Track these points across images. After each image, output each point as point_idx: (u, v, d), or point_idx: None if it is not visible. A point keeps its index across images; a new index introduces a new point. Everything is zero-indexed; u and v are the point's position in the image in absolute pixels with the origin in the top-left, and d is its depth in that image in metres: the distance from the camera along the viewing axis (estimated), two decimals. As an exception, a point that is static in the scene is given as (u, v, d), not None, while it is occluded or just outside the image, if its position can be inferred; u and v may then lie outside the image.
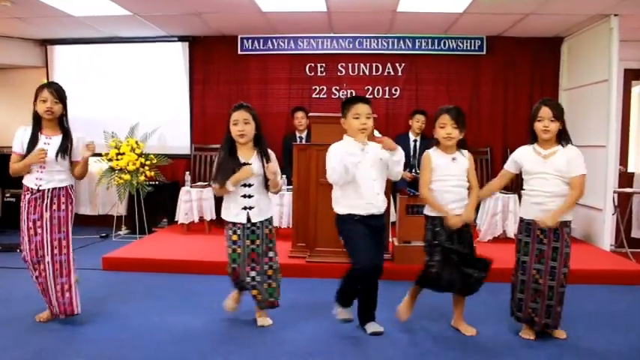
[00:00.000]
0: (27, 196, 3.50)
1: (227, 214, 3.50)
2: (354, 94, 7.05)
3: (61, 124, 3.58)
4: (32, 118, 3.54)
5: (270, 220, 3.54)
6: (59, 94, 3.51)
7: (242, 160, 3.43)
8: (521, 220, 3.42)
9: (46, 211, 3.48)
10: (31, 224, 3.48)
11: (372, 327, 3.46)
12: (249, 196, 3.45)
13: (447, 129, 3.36)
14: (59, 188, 3.53)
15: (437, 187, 3.40)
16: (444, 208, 3.33)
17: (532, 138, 3.41)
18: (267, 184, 3.46)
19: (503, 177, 3.58)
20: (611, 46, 5.69)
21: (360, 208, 3.34)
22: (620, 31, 5.68)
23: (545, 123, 3.28)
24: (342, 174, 3.25)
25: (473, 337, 3.44)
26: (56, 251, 3.49)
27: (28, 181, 3.52)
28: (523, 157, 3.42)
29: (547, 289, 3.27)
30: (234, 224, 3.46)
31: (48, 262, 3.47)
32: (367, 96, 7.12)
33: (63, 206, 3.53)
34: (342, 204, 3.38)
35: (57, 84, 3.58)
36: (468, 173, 3.43)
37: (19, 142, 3.51)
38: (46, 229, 3.47)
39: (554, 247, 3.27)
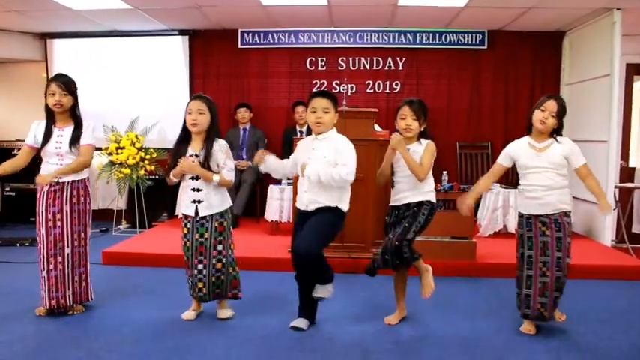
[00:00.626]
0: (45, 188, 3.51)
1: (181, 206, 3.60)
2: (354, 89, 7.09)
3: (74, 115, 3.60)
4: (45, 111, 3.56)
5: (222, 214, 3.50)
6: (67, 87, 3.53)
7: (190, 152, 3.45)
8: (521, 215, 3.43)
9: (66, 204, 3.53)
10: (50, 216, 3.50)
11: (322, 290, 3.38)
12: (198, 190, 3.46)
13: (407, 120, 3.38)
14: (78, 181, 3.58)
15: (395, 177, 3.48)
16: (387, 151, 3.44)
17: (529, 127, 3.40)
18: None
19: (493, 173, 3.59)
20: (613, 41, 5.66)
21: (298, 202, 3.44)
22: (622, 25, 5.65)
23: (545, 115, 3.27)
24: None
25: (476, 332, 3.43)
26: (76, 243, 3.58)
27: (47, 173, 3.53)
28: (518, 151, 3.42)
29: (554, 281, 3.28)
30: (186, 217, 3.51)
31: (68, 254, 3.54)
32: (367, 90, 7.12)
33: (82, 199, 3.60)
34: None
35: (66, 76, 3.58)
36: (422, 159, 3.37)
37: (31, 135, 3.55)
38: (67, 222, 3.53)
39: (557, 237, 3.28)
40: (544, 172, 3.29)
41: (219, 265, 3.49)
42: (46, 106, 3.54)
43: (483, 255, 4.98)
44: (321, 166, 3.25)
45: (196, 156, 3.43)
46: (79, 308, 3.67)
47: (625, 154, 6.64)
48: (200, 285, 3.49)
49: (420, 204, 3.39)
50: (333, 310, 3.65)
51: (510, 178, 6.86)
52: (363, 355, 3.09)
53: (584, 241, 5.88)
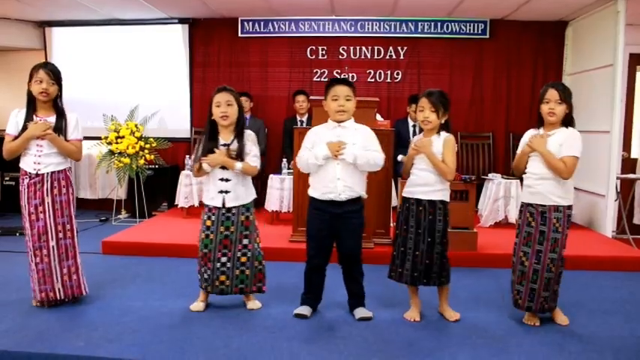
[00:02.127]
0: (25, 181, 3.45)
1: (205, 197, 3.52)
2: (355, 78, 7.05)
3: (55, 105, 3.51)
4: (27, 98, 3.48)
5: (247, 207, 3.49)
6: (55, 75, 3.45)
7: (222, 142, 3.41)
8: (521, 203, 3.43)
9: (47, 195, 3.44)
10: (32, 209, 3.43)
11: (360, 312, 3.45)
12: (227, 180, 3.41)
13: (424, 112, 3.32)
14: (58, 172, 3.48)
15: (412, 169, 3.45)
16: (410, 152, 3.42)
17: (539, 121, 3.35)
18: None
19: (520, 157, 3.42)
20: (617, 30, 5.62)
21: (316, 191, 3.38)
22: (626, 14, 5.60)
23: (551, 105, 3.22)
24: (306, 165, 3.35)
25: (475, 322, 3.42)
26: (61, 235, 3.48)
27: (26, 164, 3.45)
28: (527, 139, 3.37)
29: (531, 272, 3.26)
30: (210, 209, 3.45)
31: (53, 247, 3.45)
32: (369, 80, 7.09)
33: (64, 190, 3.49)
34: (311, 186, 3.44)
35: (53, 64, 3.51)
36: (443, 156, 3.32)
37: (13, 124, 3.44)
38: (49, 214, 3.44)
39: (541, 230, 3.24)
40: (539, 160, 3.26)
41: (243, 259, 3.45)
42: (29, 93, 3.45)
43: (484, 245, 4.97)
44: (356, 150, 3.27)
45: (226, 145, 3.40)
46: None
47: (627, 144, 6.61)
48: (223, 278, 3.45)
49: (432, 204, 3.34)
50: (335, 299, 3.64)
51: (512, 170, 6.86)
52: (364, 344, 3.08)
53: (585, 232, 5.87)
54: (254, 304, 3.60)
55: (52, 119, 3.47)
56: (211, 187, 3.45)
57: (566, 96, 3.23)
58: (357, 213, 3.37)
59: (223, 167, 3.40)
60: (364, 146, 3.30)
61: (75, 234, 3.56)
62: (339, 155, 3.25)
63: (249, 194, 3.51)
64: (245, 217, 3.46)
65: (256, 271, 3.51)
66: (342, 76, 6.95)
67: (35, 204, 3.43)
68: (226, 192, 3.41)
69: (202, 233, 3.48)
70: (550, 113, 3.23)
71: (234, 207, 3.43)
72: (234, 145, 3.41)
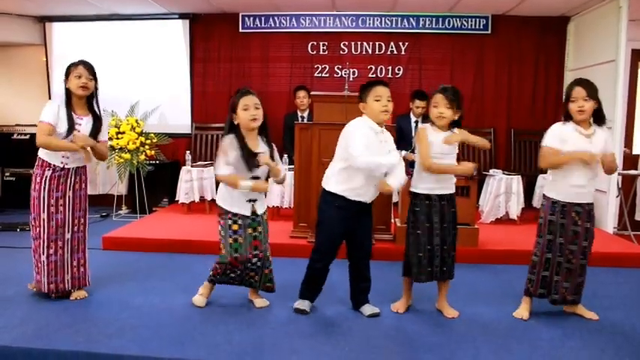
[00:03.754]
0: (48, 173, 3.48)
1: (227, 204, 3.38)
2: (356, 74, 7.03)
3: (90, 105, 3.58)
4: (65, 96, 3.51)
5: (266, 211, 3.54)
6: (93, 71, 3.54)
7: (259, 150, 3.35)
8: (554, 202, 3.33)
9: (69, 189, 3.54)
10: (52, 202, 3.49)
11: (369, 309, 3.46)
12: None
13: (439, 108, 3.30)
14: (82, 167, 3.60)
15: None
16: (457, 167, 3.37)
17: (566, 116, 3.30)
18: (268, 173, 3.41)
19: (552, 157, 3.29)
20: (619, 26, 5.59)
21: (347, 191, 3.33)
22: (628, 10, 5.56)
23: (579, 103, 3.19)
24: (374, 169, 3.26)
25: (477, 318, 3.42)
26: (76, 228, 3.60)
27: (52, 158, 3.49)
28: (567, 134, 3.26)
29: (579, 267, 3.34)
30: (235, 214, 3.37)
31: (67, 239, 3.55)
32: (370, 75, 7.07)
33: (84, 185, 3.63)
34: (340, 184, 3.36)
35: (90, 62, 3.58)
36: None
37: (51, 114, 3.40)
38: (69, 208, 3.54)
39: (586, 227, 3.32)
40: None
41: (270, 257, 3.50)
42: (67, 90, 3.49)
43: (485, 241, 4.96)
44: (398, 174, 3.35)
45: (261, 153, 3.34)
46: (82, 294, 3.66)
47: (629, 141, 6.58)
48: (252, 274, 3.45)
49: (452, 197, 3.41)
50: (335, 295, 3.64)
51: (513, 166, 6.85)
52: (366, 340, 3.07)
53: (587, 228, 5.85)
54: (263, 301, 3.59)
55: (89, 119, 3.54)
56: (236, 194, 3.34)
57: (592, 92, 3.21)
58: (370, 210, 3.46)
59: (253, 177, 3.32)
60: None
61: (87, 228, 3.69)
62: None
63: (267, 198, 3.53)
64: (266, 220, 3.50)
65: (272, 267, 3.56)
66: (345, 73, 6.97)
67: (57, 196, 3.50)
68: (254, 200, 3.39)
69: (229, 238, 3.36)
70: (580, 111, 3.20)
71: (263, 212, 3.47)
72: (267, 153, 3.37)
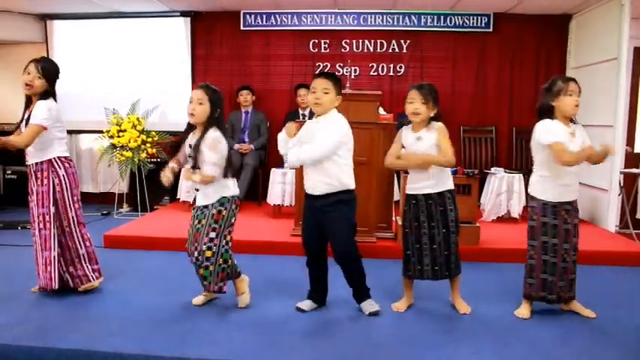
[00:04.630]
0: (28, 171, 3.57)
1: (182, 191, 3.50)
2: (357, 72, 7.03)
3: (41, 98, 3.50)
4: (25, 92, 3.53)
5: (222, 202, 3.33)
6: (45, 71, 3.46)
7: (189, 140, 3.40)
8: (545, 203, 3.30)
9: (34, 185, 3.54)
10: (29, 198, 3.56)
11: (367, 307, 3.44)
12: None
13: (414, 104, 3.29)
14: (40, 162, 3.52)
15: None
16: (413, 157, 3.34)
17: (547, 113, 3.30)
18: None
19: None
20: (621, 24, 5.56)
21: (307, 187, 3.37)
22: (631, 7, 5.54)
23: (576, 97, 3.22)
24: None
25: (478, 316, 3.41)
26: (41, 226, 3.53)
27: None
28: (560, 132, 3.22)
29: (572, 265, 3.35)
30: (193, 203, 3.45)
31: (36, 236, 3.55)
32: (371, 73, 7.06)
33: (45, 180, 3.50)
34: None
35: (49, 61, 3.54)
36: (439, 145, 3.30)
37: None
38: (34, 204, 3.53)
39: (575, 223, 3.33)
40: None
41: (208, 254, 3.29)
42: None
43: (487, 240, 4.95)
44: (305, 148, 3.25)
45: (190, 146, 3.38)
46: (91, 285, 3.69)
47: (630, 139, 6.57)
48: (201, 271, 3.36)
49: (441, 196, 3.36)
50: (338, 294, 3.62)
51: (515, 164, 6.83)
52: (366, 340, 3.07)
53: (588, 226, 5.84)
54: (243, 299, 3.52)
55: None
56: (184, 182, 3.42)
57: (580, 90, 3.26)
58: (335, 205, 3.28)
59: (193, 166, 3.38)
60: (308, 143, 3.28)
61: (52, 225, 3.51)
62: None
63: (220, 192, 3.35)
64: (217, 211, 3.32)
65: (219, 269, 3.35)
66: (347, 71, 6.95)
67: (29, 193, 3.55)
68: (196, 190, 3.40)
69: None
70: (576, 106, 3.23)
71: (208, 204, 3.37)
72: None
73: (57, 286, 3.56)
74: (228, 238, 3.39)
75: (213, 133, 3.31)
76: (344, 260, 3.34)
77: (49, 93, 3.51)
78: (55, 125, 3.49)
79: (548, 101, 3.29)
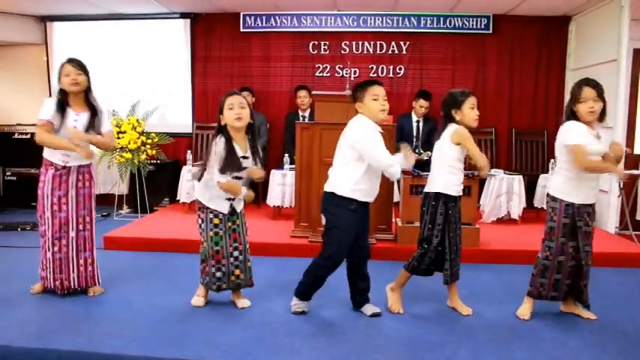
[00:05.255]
0: (50, 172, 3.53)
1: (207, 201, 3.40)
2: (357, 73, 7.03)
3: (87, 99, 3.58)
4: (59, 95, 3.52)
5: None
6: (81, 66, 3.54)
7: (240, 153, 3.34)
8: (569, 205, 3.27)
9: (72, 188, 3.55)
10: (55, 200, 3.53)
11: (370, 309, 3.45)
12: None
13: (476, 110, 3.44)
14: (85, 165, 3.60)
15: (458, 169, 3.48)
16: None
17: (571, 117, 3.25)
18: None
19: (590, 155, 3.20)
20: (621, 25, 5.57)
21: (362, 194, 3.31)
22: (630, 9, 5.54)
23: (590, 104, 3.16)
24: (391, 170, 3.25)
25: (480, 318, 3.41)
26: (81, 227, 3.60)
27: (54, 157, 3.52)
28: (586, 133, 3.19)
29: (589, 269, 3.37)
30: (213, 210, 3.41)
31: (72, 238, 3.57)
32: (371, 75, 7.07)
33: (87, 183, 3.62)
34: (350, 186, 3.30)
35: (77, 59, 3.57)
36: (471, 152, 3.46)
37: (48, 110, 3.44)
38: (72, 206, 3.56)
39: (592, 226, 3.35)
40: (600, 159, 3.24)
41: (249, 250, 3.53)
42: (61, 91, 3.51)
43: (487, 241, 4.95)
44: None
45: (245, 158, 3.37)
46: (98, 290, 3.73)
47: (630, 140, 6.57)
48: (237, 272, 3.45)
49: (460, 197, 3.48)
50: (336, 295, 3.63)
51: (514, 165, 6.84)
52: (365, 340, 3.07)
53: (588, 227, 5.84)
54: (244, 302, 3.57)
55: (86, 115, 3.53)
56: (216, 193, 3.35)
57: (601, 92, 3.19)
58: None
59: (235, 177, 3.34)
60: None
61: (93, 226, 3.68)
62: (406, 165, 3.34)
63: None
64: (244, 212, 3.52)
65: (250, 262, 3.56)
66: (346, 72, 6.96)
67: (59, 195, 3.52)
68: (233, 199, 3.40)
69: (210, 231, 3.40)
70: (591, 112, 3.17)
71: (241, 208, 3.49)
72: (251, 159, 3.41)
73: (100, 282, 3.73)
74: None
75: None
76: (368, 260, 3.50)
77: (90, 89, 3.60)
78: None
79: (570, 106, 3.26)
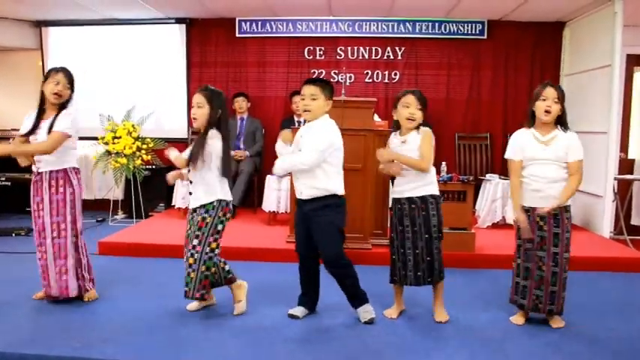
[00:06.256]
0: (32, 178, 3.57)
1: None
2: (352, 79, 7.05)
3: (61, 107, 3.56)
4: (39, 100, 3.54)
5: (207, 208, 3.32)
6: (71, 81, 3.56)
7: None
8: (522, 206, 3.35)
9: (45, 193, 3.51)
10: (35, 207, 3.54)
11: (363, 315, 3.43)
12: (191, 182, 3.41)
13: (410, 109, 3.31)
14: (56, 171, 3.53)
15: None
16: (385, 154, 3.40)
17: (531, 120, 3.36)
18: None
19: (516, 174, 3.36)
20: (614, 31, 5.60)
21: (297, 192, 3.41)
22: (623, 15, 5.58)
23: (548, 103, 3.23)
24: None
25: (472, 323, 3.41)
26: (55, 234, 3.52)
27: (32, 164, 3.56)
28: (523, 143, 3.34)
29: (550, 275, 3.26)
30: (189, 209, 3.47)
31: (49, 245, 3.52)
32: (366, 80, 7.08)
33: (61, 189, 3.52)
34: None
35: (70, 71, 3.59)
36: (420, 149, 3.31)
37: (23, 125, 3.57)
38: (47, 212, 3.51)
39: (555, 232, 3.25)
40: (548, 165, 3.25)
41: (191, 261, 3.31)
42: (42, 93, 3.51)
43: (482, 246, 4.95)
44: (287, 157, 3.35)
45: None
46: (92, 294, 3.71)
47: (624, 145, 6.60)
48: (187, 279, 3.35)
49: (424, 200, 3.34)
50: (331, 300, 3.62)
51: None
52: (361, 346, 3.07)
53: (583, 233, 5.86)
54: (240, 306, 3.52)
55: (50, 120, 3.50)
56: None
57: (562, 95, 3.26)
58: (322, 210, 3.30)
59: (189, 170, 3.41)
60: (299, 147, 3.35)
61: (69, 234, 3.54)
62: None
63: (209, 195, 3.34)
64: (201, 218, 3.32)
65: (202, 277, 3.32)
66: (342, 78, 6.97)
67: (37, 201, 3.53)
68: (190, 194, 3.42)
69: None
70: (547, 111, 3.23)
71: (196, 207, 3.37)
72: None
73: (74, 294, 3.59)
74: (214, 245, 3.36)
75: (210, 132, 3.36)
76: (332, 266, 3.34)
77: (67, 103, 3.59)
78: (74, 136, 3.58)
79: (530, 106, 3.35)
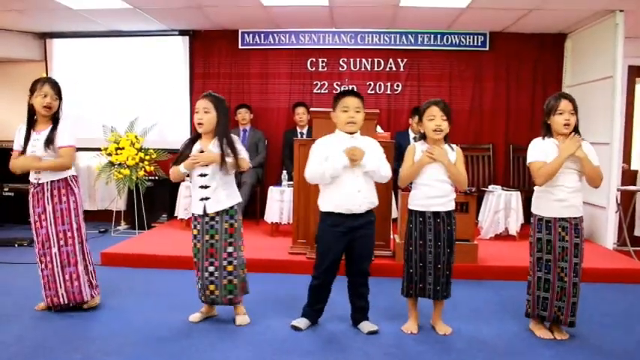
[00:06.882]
0: (31, 190, 3.58)
1: (190, 206, 3.54)
2: (355, 90, 7.05)
3: (54, 118, 3.57)
4: (28, 112, 3.55)
5: (231, 214, 3.40)
6: (59, 92, 3.55)
7: (198, 147, 3.41)
8: (540, 218, 3.32)
9: (48, 204, 3.53)
10: (36, 218, 3.55)
11: (367, 326, 3.42)
12: (206, 187, 3.38)
13: (436, 120, 3.27)
14: (57, 181, 3.55)
15: (420, 180, 3.36)
16: (424, 159, 3.30)
17: (546, 132, 3.33)
18: (222, 168, 3.35)
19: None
20: (615, 43, 5.63)
21: (332, 204, 3.32)
22: (624, 27, 5.61)
23: (566, 116, 3.21)
24: (322, 177, 3.28)
25: (476, 335, 3.39)
26: (62, 242, 3.56)
27: (30, 175, 3.57)
28: (548, 150, 3.26)
29: (571, 287, 3.24)
30: (195, 217, 3.43)
31: (55, 254, 3.54)
32: (368, 92, 7.10)
33: (64, 198, 3.56)
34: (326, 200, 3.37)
35: (57, 82, 3.58)
36: (457, 167, 3.33)
37: (17, 141, 3.58)
38: (51, 222, 3.53)
39: (576, 243, 3.25)
40: (571, 174, 3.24)
41: (230, 268, 3.39)
42: (30, 107, 3.52)
43: (485, 258, 4.94)
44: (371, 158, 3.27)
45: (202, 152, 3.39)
46: (95, 302, 3.72)
47: (627, 156, 6.61)
48: (212, 287, 3.41)
49: (449, 215, 3.35)
50: (334, 312, 3.61)
51: (512, 181, 6.85)
52: (365, 358, 3.05)
53: (586, 244, 5.77)
54: (243, 319, 3.53)
55: (46, 132, 3.52)
56: (193, 195, 3.45)
57: (576, 106, 3.26)
58: (372, 224, 3.40)
59: (202, 174, 3.38)
60: (376, 157, 3.33)
61: (76, 241, 3.60)
62: (357, 162, 3.21)
63: (232, 198, 3.42)
64: (229, 225, 3.39)
65: (241, 279, 3.46)
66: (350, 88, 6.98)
67: (38, 212, 3.54)
68: (206, 198, 3.38)
69: (192, 242, 3.47)
70: (566, 125, 3.22)
71: (217, 214, 3.38)
72: (215, 151, 3.37)
73: (88, 299, 3.64)
74: (244, 248, 3.49)
75: (231, 135, 3.44)
76: (366, 278, 3.43)
77: (57, 113, 3.59)
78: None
79: (545, 119, 3.33)
